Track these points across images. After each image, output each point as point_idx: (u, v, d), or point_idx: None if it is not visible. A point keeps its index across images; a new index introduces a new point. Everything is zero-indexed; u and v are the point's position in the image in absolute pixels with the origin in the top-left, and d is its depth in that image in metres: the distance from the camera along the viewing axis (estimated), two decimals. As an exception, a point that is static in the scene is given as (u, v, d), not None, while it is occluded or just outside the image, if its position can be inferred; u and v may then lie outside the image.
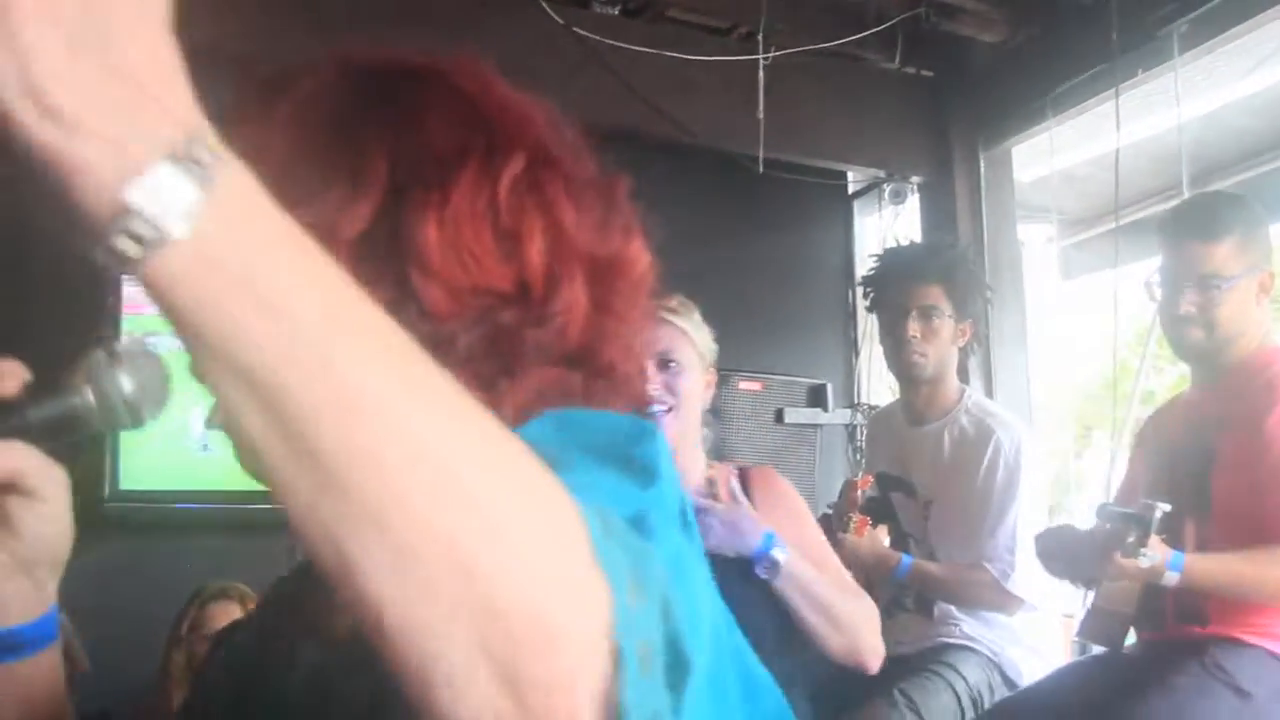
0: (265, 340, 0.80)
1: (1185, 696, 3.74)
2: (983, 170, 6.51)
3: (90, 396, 1.15)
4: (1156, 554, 3.71)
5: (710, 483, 3.85)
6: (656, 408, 3.69)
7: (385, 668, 0.86)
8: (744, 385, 6.10)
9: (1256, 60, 5.63)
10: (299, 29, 5.28)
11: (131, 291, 5.57)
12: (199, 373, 0.83)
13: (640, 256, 1.37)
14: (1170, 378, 6.99)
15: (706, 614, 1.08)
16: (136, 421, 1.18)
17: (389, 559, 0.81)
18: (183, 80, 0.81)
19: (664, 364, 3.68)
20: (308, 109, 1.26)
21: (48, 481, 1.23)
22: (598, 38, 5.76)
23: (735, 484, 3.92)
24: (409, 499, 0.81)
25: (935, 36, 6.21)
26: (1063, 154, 6.46)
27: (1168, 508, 3.76)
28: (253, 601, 4.93)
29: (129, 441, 5.53)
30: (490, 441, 0.87)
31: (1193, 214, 4.33)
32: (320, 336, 0.82)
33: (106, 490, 5.48)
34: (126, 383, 1.15)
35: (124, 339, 1.18)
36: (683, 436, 3.73)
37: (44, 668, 1.35)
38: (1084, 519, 4.47)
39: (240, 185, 0.82)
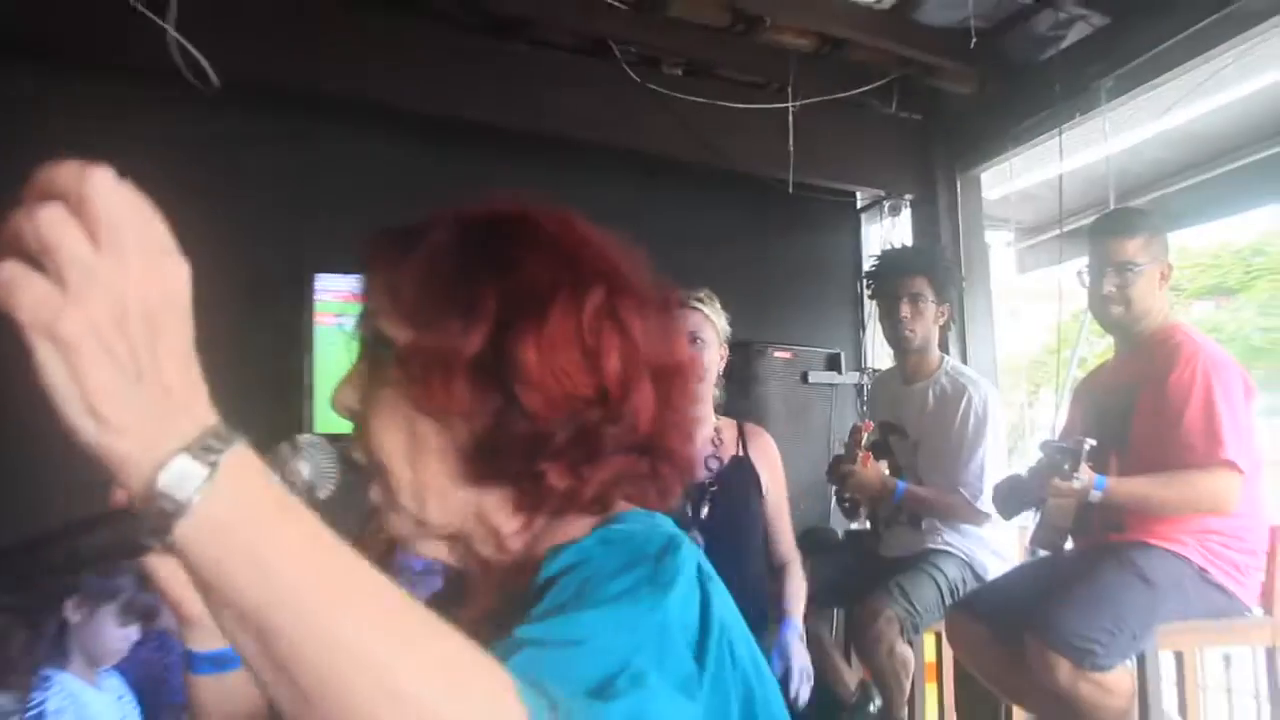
0: (256, 591, 0.84)
1: (1107, 585, 3.90)
2: (958, 190, 6.61)
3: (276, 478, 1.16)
4: (1085, 477, 3.92)
5: (717, 432, 4.18)
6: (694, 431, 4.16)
7: None
8: (778, 354, 6.20)
9: (1166, 106, 5.76)
10: (418, 88, 5.49)
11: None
12: (211, 611, 0.88)
13: (693, 362, 1.38)
14: (1099, 348, 7.01)
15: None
16: (312, 497, 1.27)
17: None
18: (201, 385, 0.88)
19: (692, 340, 3.99)
20: (434, 258, 1.28)
21: None
22: (666, 91, 5.99)
23: (734, 435, 4.28)
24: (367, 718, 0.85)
25: (922, 89, 6.39)
26: (1019, 178, 6.66)
27: (1094, 443, 3.95)
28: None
29: (325, 389, 5.31)
30: (448, 672, 0.90)
31: (1113, 219, 4.48)
32: (301, 591, 0.86)
33: (304, 431, 5.42)
34: (304, 469, 1.26)
35: (303, 436, 1.29)
36: (704, 397, 4.07)
37: (245, 678, 1.34)
38: (1032, 459, 4.36)
39: (241, 465, 0.86)
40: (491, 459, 1.26)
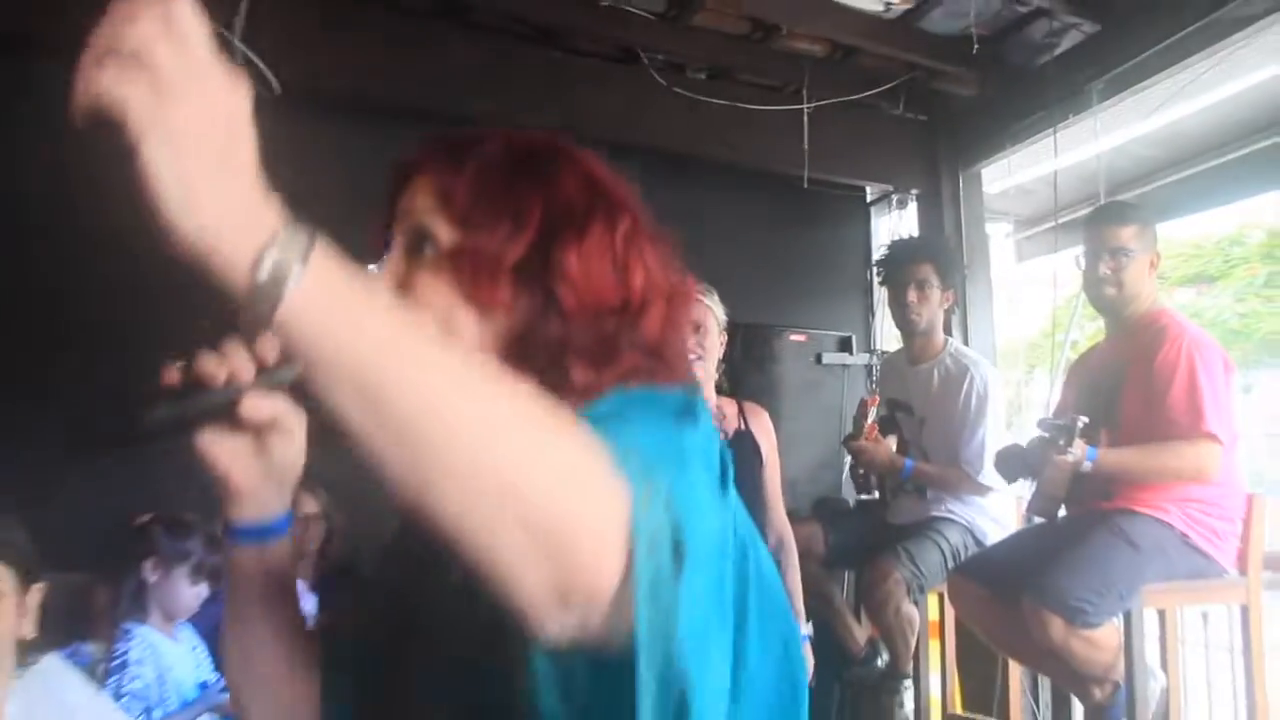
0: (358, 349, 0.89)
1: (1097, 549, 3.95)
2: (961, 185, 6.58)
3: None
4: (1078, 451, 4.01)
5: (720, 409, 4.24)
6: (690, 356, 4.23)
7: None
8: (793, 337, 6.20)
9: (1153, 107, 5.74)
10: (475, 92, 5.47)
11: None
12: (316, 386, 0.91)
13: (690, 289, 1.42)
14: (1090, 331, 7.02)
15: (716, 528, 1.08)
16: None
17: (462, 496, 0.89)
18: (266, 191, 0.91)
19: (695, 329, 4.08)
20: (488, 168, 1.31)
21: (295, 421, 1.29)
22: (690, 94, 5.97)
23: (735, 411, 4.36)
24: (471, 456, 0.89)
25: (927, 92, 6.37)
26: (1017, 174, 6.62)
27: (1086, 420, 4.06)
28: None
29: None
30: (526, 410, 0.94)
31: (1110, 210, 4.61)
32: (399, 341, 0.91)
33: None
34: None
35: None
36: (706, 376, 4.12)
37: (286, 550, 1.40)
38: (1029, 431, 4.52)
39: (321, 251, 0.90)
40: (524, 352, 1.29)
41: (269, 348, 1.22)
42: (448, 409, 0.90)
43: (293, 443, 1.30)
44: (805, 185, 6.16)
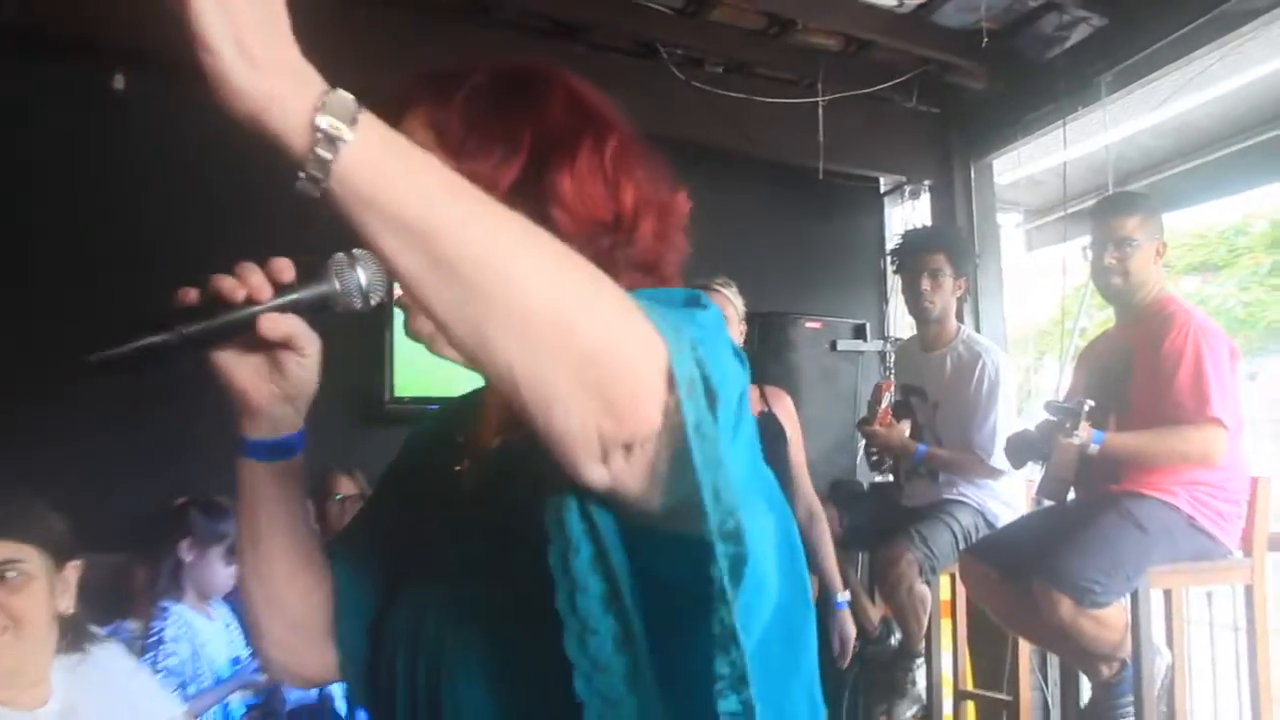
0: (416, 197, 0.92)
1: (1105, 531, 3.96)
2: (972, 176, 6.58)
3: (337, 284, 1.25)
4: (1084, 434, 3.99)
5: None
6: None
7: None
8: (809, 324, 6.16)
9: (1161, 99, 5.75)
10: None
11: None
12: (373, 242, 0.93)
13: (683, 204, 1.42)
14: (1098, 319, 6.97)
15: (742, 386, 1.11)
16: (366, 303, 1.28)
17: (514, 334, 0.91)
18: None
19: None
20: (476, 98, 1.32)
21: (309, 342, 1.29)
22: (708, 88, 5.99)
23: (757, 395, 4.36)
24: (523, 294, 0.92)
25: (939, 85, 6.37)
26: (1027, 165, 6.66)
27: (1092, 403, 4.03)
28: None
29: (401, 359, 5.62)
30: (569, 258, 0.96)
31: (1115, 200, 4.54)
32: (454, 191, 0.94)
33: (387, 395, 5.61)
34: (362, 275, 1.26)
35: (358, 249, 1.26)
36: None
37: (297, 467, 1.40)
38: (1038, 417, 4.41)
39: (368, 112, 0.92)
40: None
41: (284, 268, 1.24)
42: (501, 250, 0.92)
43: (308, 362, 1.31)
44: (820, 176, 6.15)
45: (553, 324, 0.92)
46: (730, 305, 4.22)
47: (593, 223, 1.30)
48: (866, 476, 5.89)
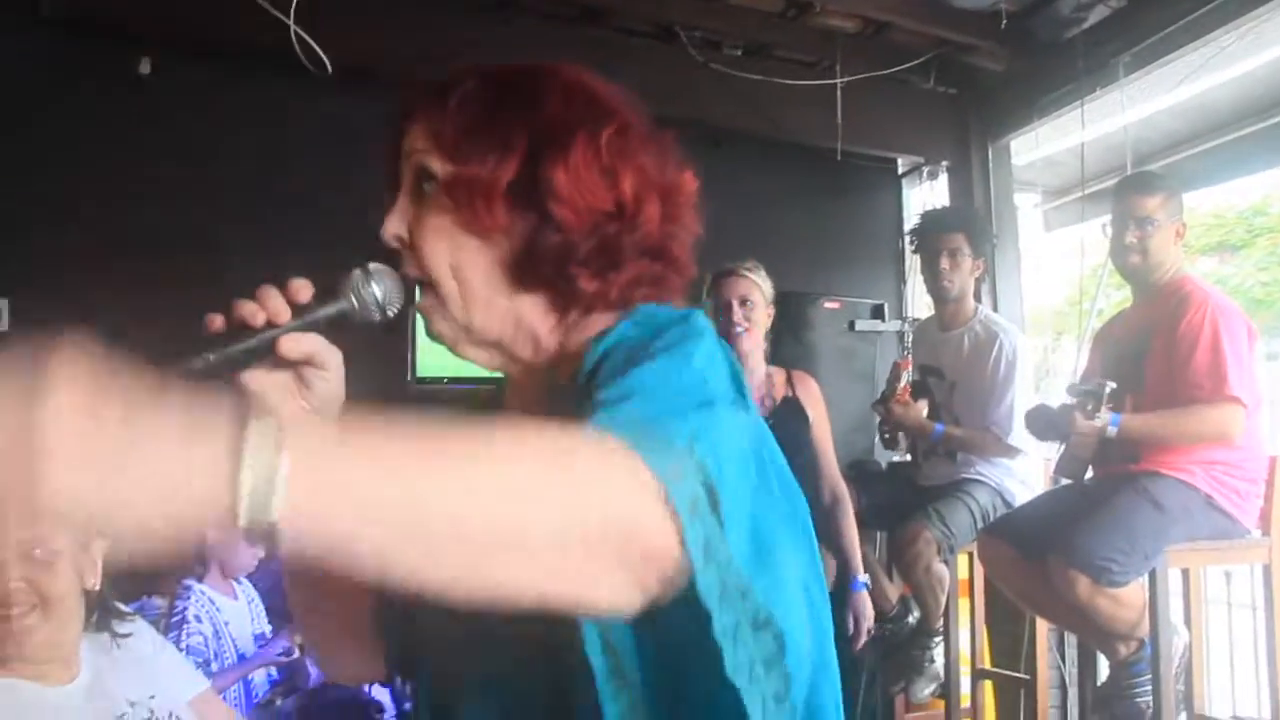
0: (358, 514, 0.84)
1: (1123, 510, 3.96)
2: (990, 157, 6.56)
3: (354, 301, 1.30)
4: (1105, 416, 4.01)
5: (768, 377, 4.27)
6: (739, 329, 4.10)
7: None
8: (828, 305, 6.16)
9: (1177, 80, 5.73)
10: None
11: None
12: (328, 550, 0.86)
13: (690, 183, 1.42)
14: (1115, 299, 6.99)
15: (744, 452, 1.12)
16: (384, 316, 1.33)
17: (513, 569, 0.91)
18: (209, 403, 0.82)
19: (743, 303, 4.13)
20: (469, 102, 1.33)
21: (332, 358, 1.31)
22: (727, 70, 5.96)
23: (784, 379, 4.39)
24: (505, 537, 0.89)
25: (957, 66, 6.34)
26: (1045, 145, 6.62)
27: (1114, 385, 4.04)
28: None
29: (424, 339, 5.60)
30: (525, 464, 0.92)
31: (1137, 180, 4.55)
32: (403, 479, 0.86)
33: (410, 376, 5.60)
34: (378, 290, 1.31)
35: (373, 264, 1.34)
36: (755, 347, 4.16)
37: None
38: (1055, 396, 4.55)
39: (295, 443, 0.81)
40: (529, 268, 1.33)
41: (302, 288, 1.27)
42: (463, 508, 0.88)
43: (331, 377, 1.32)
44: (839, 158, 6.16)
45: (547, 546, 0.91)
46: (757, 289, 4.22)
47: (594, 213, 1.31)
48: (885, 456, 5.92)
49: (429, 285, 1.35)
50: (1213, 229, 14.16)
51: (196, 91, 5.06)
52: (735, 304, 4.18)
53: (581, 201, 1.30)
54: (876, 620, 4.72)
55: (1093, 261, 5.95)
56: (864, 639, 4.36)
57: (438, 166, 1.32)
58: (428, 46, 5.31)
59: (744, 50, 6.20)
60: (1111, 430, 4.05)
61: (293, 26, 4.33)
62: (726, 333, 4.12)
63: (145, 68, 5.01)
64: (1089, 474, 4.40)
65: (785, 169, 6.61)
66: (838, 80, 6.06)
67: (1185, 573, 4.36)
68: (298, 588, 1.51)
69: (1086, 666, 4.73)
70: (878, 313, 6.41)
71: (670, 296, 1.40)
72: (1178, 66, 5.57)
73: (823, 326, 6.19)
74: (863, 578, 4.37)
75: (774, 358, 4.47)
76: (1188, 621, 4.37)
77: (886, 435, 5.21)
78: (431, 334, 1.38)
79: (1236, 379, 3.92)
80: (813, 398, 4.37)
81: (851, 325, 6.29)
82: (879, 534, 5.43)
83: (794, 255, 6.33)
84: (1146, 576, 3.98)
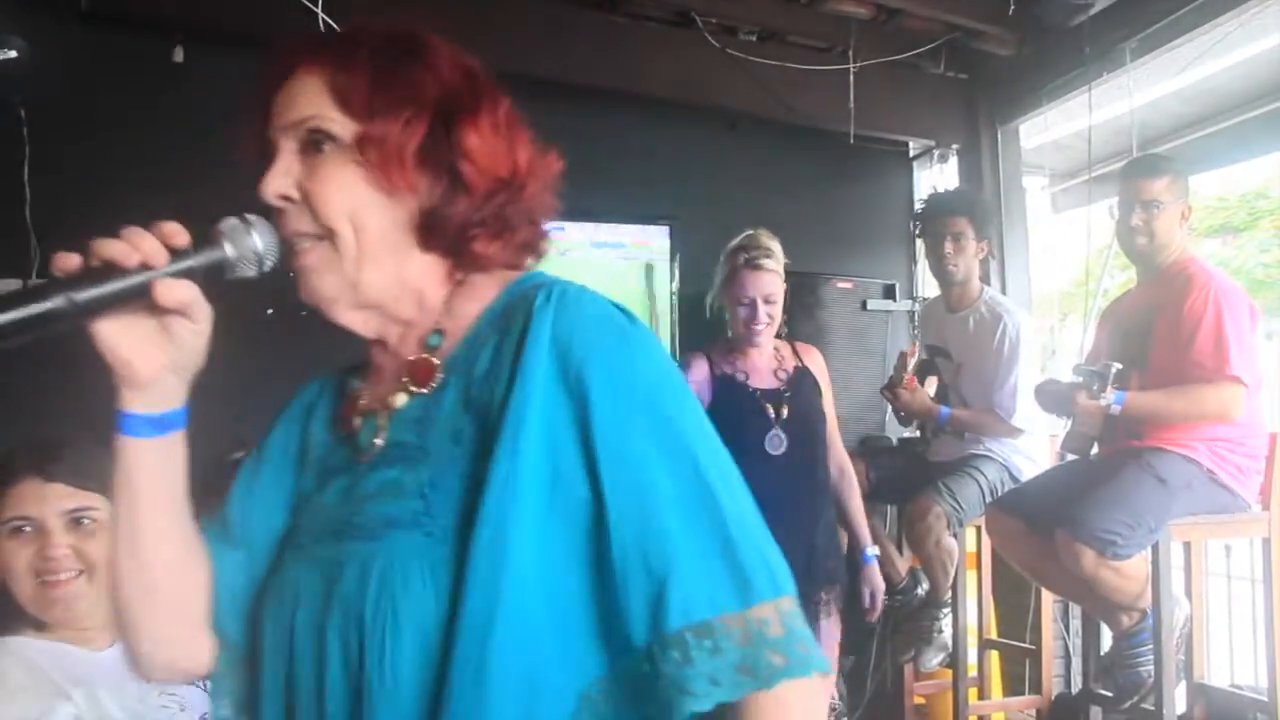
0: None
1: (1127, 485, 4.00)
2: (999, 140, 6.53)
3: (231, 250, 1.22)
4: (1110, 395, 4.04)
5: (777, 350, 4.19)
6: (762, 325, 4.04)
7: None
8: (840, 285, 6.17)
9: (1183, 65, 5.72)
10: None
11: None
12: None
13: (557, 163, 1.43)
14: (1120, 280, 7.06)
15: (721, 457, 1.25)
16: (260, 269, 1.27)
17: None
18: None
19: (767, 300, 4.03)
20: (376, 59, 1.31)
21: (202, 310, 1.22)
22: (742, 55, 5.97)
23: (790, 352, 4.30)
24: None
25: (967, 52, 6.33)
26: (1053, 129, 6.58)
27: (1120, 366, 4.08)
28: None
29: None
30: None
31: (1143, 163, 4.59)
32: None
33: None
34: (258, 240, 1.24)
35: (251, 215, 1.26)
36: (773, 334, 4.11)
37: (180, 444, 1.31)
38: (1062, 376, 4.59)
39: None
40: (433, 228, 1.32)
41: (176, 231, 1.21)
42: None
43: (200, 332, 1.25)
44: (851, 141, 6.17)
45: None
46: (780, 280, 4.13)
47: (494, 179, 1.33)
48: (896, 432, 5.92)
49: (320, 239, 1.30)
50: (1216, 212, 14.10)
51: (228, 79, 5.07)
52: (760, 301, 4.08)
53: (487, 166, 1.32)
54: (886, 592, 4.75)
55: (1099, 243, 5.92)
56: (879, 609, 4.37)
57: (344, 126, 1.29)
58: (452, 32, 5.34)
59: (759, 36, 6.19)
60: (1116, 408, 4.07)
61: (320, 14, 4.34)
62: (748, 328, 4.09)
63: (178, 56, 5.03)
64: (1094, 450, 4.39)
65: (799, 152, 6.60)
66: (851, 65, 6.07)
67: (1187, 546, 4.38)
68: (130, 575, 1.37)
69: (1090, 637, 4.73)
70: (889, 292, 6.40)
71: (537, 262, 1.43)
72: (1183, 52, 5.54)
73: (835, 306, 6.19)
74: (872, 550, 4.38)
75: (788, 336, 4.46)
76: (1189, 593, 4.39)
77: (901, 415, 5.22)
78: (309, 294, 1.33)
79: (1238, 359, 3.93)
80: (819, 368, 4.36)
81: (864, 305, 6.28)
82: (889, 508, 5.45)
83: (807, 236, 6.27)
84: (1149, 549, 4.00)
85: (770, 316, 4.07)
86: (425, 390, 1.33)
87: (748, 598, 1.16)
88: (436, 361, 1.34)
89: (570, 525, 1.19)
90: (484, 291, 1.37)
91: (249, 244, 1.24)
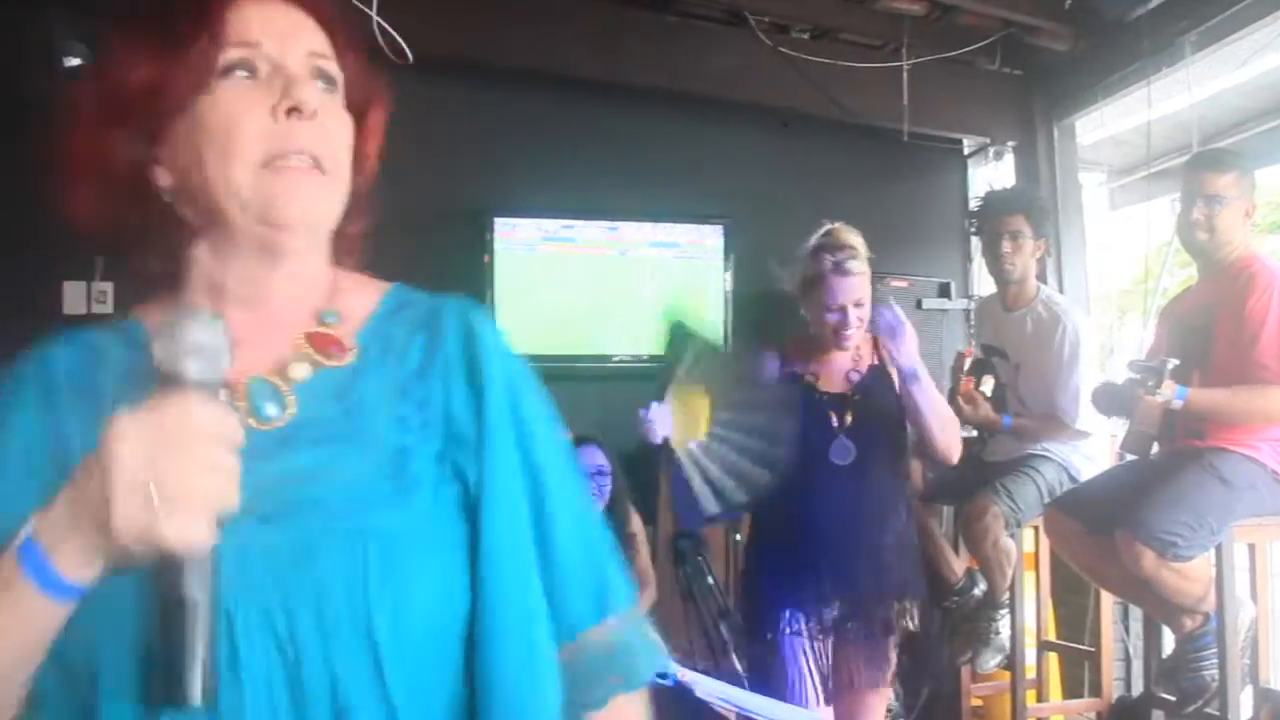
0: None
1: (1189, 485, 3.94)
2: (1055, 137, 6.46)
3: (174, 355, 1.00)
4: (1167, 391, 3.92)
5: (856, 348, 3.94)
6: (852, 329, 3.81)
7: None
8: (896, 283, 6.14)
9: (1244, 59, 5.61)
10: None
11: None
12: None
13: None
14: (1179, 278, 7.00)
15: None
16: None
17: None
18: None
19: (857, 304, 3.80)
20: (342, 21, 1.28)
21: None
22: (795, 54, 5.94)
23: (870, 347, 4.05)
24: None
25: (1022, 47, 6.25)
26: (1111, 124, 6.49)
27: (1176, 362, 3.97)
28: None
29: (501, 312, 5.58)
30: None
31: (1208, 156, 4.51)
32: None
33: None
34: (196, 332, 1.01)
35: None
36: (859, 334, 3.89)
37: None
38: (1120, 375, 4.46)
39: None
40: (350, 212, 1.29)
41: None
42: None
43: None
44: (905, 139, 6.15)
45: None
46: (868, 283, 3.91)
47: (375, 170, 1.32)
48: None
49: (313, 168, 1.19)
50: (1277, 208, 13.93)
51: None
52: (850, 307, 3.84)
53: (377, 154, 1.33)
54: (944, 593, 4.67)
55: (1158, 240, 5.86)
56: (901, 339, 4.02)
57: (335, 70, 1.25)
58: (505, 35, 5.35)
59: (812, 34, 6.18)
60: (1177, 403, 3.99)
61: (375, 18, 4.34)
62: (838, 334, 3.88)
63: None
64: (1155, 450, 4.34)
65: (852, 150, 6.59)
66: (904, 63, 6.03)
67: (1251, 547, 4.30)
68: None
69: (1151, 639, 4.69)
70: (944, 291, 6.40)
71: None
72: (1244, 44, 5.44)
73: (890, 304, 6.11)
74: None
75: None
76: (1254, 595, 4.32)
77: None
78: (298, 208, 1.18)
79: None
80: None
81: (919, 304, 6.27)
82: (945, 508, 5.39)
83: (862, 235, 6.28)
84: (1213, 551, 3.96)
85: (860, 320, 3.86)
86: (334, 364, 1.22)
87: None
88: (345, 340, 1.24)
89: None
90: (361, 287, 1.31)
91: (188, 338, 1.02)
